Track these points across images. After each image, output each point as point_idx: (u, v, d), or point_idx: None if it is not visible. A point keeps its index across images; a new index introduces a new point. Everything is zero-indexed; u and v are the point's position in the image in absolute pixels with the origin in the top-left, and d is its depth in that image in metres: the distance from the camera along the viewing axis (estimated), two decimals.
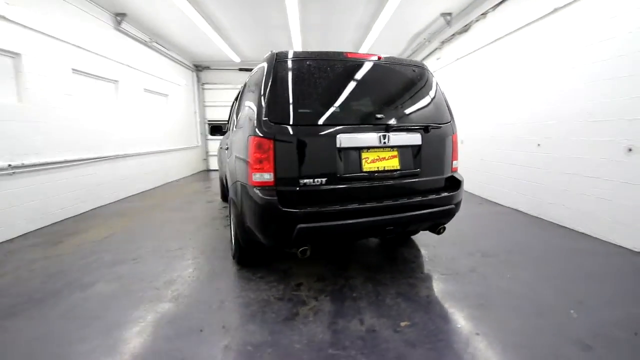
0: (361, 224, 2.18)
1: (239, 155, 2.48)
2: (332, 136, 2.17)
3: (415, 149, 2.42)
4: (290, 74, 2.22)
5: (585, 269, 2.78)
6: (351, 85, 2.35)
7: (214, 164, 10.64)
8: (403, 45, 8.25)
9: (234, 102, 4.31)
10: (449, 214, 2.54)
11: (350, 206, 2.16)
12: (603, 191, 3.38)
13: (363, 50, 8.19)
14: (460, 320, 2.08)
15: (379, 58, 2.50)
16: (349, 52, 2.45)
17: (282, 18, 6.05)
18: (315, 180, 2.15)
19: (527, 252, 3.16)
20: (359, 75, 2.37)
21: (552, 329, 1.97)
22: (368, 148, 2.26)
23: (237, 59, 9.07)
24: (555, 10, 3.97)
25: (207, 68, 10.17)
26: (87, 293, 2.49)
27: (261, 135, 2.12)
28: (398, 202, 2.29)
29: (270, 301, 2.33)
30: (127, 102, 6.22)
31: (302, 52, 2.34)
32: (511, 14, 4.89)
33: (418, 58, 8.43)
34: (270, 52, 2.57)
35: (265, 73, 2.27)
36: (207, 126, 10.48)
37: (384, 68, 2.49)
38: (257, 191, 2.13)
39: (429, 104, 2.55)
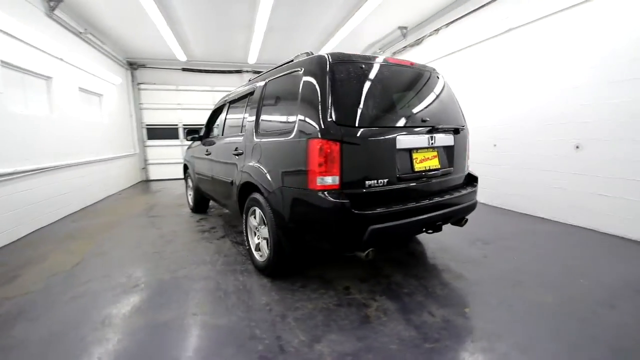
0: (420, 221, 2.28)
1: (285, 161, 2.35)
2: (393, 138, 2.22)
3: (449, 149, 2.63)
4: (347, 77, 2.20)
5: (564, 246, 3.36)
6: (400, 88, 2.44)
7: (155, 173, 9.56)
8: (357, 51, 8.63)
9: (224, 106, 3.96)
10: (474, 207, 2.82)
11: (410, 205, 2.25)
12: (557, 181, 4.13)
13: None
14: (511, 299, 2.33)
15: (412, 64, 2.65)
16: (389, 57, 2.54)
17: (250, 16, 5.82)
18: (379, 181, 2.18)
19: (513, 238, 3.66)
20: (404, 79, 2.48)
21: (578, 296, 2.35)
22: (418, 149, 2.38)
23: (183, 58, 8.34)
24: (510, 30, 4.71)
25: (143, 66, 9.10)
26: (109, 333, 2.04)
27: (326, 137, 2.05)
28: (444, 198, 2.46)
29: (331, 308, 2.26)
30: (62, 102, 5.20)
31: (351, 54, 2.34)
32: (464, 32, 5.60)
33: None
34: (307, 53, 2.53)
35: (319, 75, 2.20)
36: (145, 131, 9.35)
37: (419, 74, 2.65)
38: (323, 195, 2.05)
39: (452, 107, 2.79)
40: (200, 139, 4.57)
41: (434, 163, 2.49)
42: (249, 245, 3.02)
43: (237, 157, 3.13)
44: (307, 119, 2.18)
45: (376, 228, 2.08)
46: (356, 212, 2.03)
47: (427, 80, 2.68)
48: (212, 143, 4.04)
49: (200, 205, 5.10)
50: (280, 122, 2.56)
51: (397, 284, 2.61)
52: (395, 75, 2.47)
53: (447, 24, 6.03)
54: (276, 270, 2.67)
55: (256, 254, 2.90)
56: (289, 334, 1.98)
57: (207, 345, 1.90)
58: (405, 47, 7.33)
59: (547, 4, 4.13)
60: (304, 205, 2.20)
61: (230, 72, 9.69)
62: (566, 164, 4.02)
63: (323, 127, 2.08)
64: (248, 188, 2.92)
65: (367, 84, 2.27)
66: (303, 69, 2.37)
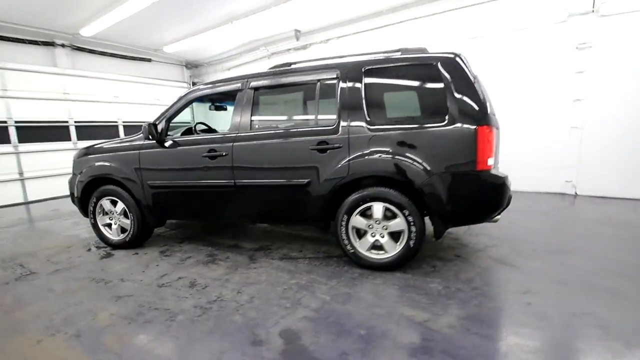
0: None
1: (446, 148, 2.47)
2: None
3: None
4: (472, 71, 2.60)
5: None
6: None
7: None
8: (235, 44, 7.99)
9: (241, 96, 3.00)
10: None
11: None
12: None
13: (200, 44, 7.22)
14: (539, 234, 3.49)
15: None
16: None
17: None
18: (498, 159, 2.77)
19: None
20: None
21: (560, 219, 3.88)
22: None
23: None
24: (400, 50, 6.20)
25: None
26: None
27: (490, 124, 2.42)
28: None
29: (484, 272, 2.64)
30: None
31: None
32: (352, 48, 6.69)
33: (241, 60, 8.57)
34: (421, 49, 2.70)
35: (466, 71, 2.47)
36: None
37: None
38: (493, 173, 2.45)
39: None
40: (157, 138, 3.20)
41: None
42: (353, 248, 2.72)
43: (320, 153, 2.70)
44: (469, 109, 2.41)
45: (510, 195, 2.68)
46: (507, 183, 2.55)
47: None
48: (215, 142, 3.03)
49: (147, 233, 3.51)
50: (417, 112, 2.61)
51: (483, 243, 3.24)
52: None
53: (339, 37, 6.97)
54: (408, 260, 2.66)
55: (368, 254, 2.70)
56: (511, 295, 2.27)
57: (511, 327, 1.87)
58: (289, 49, 7.68)
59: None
60: (470, 185, 2.45)
61: (37, 43, 6.41)
62: None
63: (486, 115, 2.42)
64: (353, 185, 2.67)
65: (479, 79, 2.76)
66: (440, 62, 2.52)
